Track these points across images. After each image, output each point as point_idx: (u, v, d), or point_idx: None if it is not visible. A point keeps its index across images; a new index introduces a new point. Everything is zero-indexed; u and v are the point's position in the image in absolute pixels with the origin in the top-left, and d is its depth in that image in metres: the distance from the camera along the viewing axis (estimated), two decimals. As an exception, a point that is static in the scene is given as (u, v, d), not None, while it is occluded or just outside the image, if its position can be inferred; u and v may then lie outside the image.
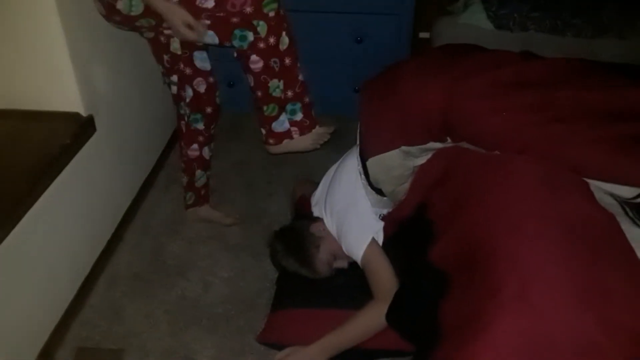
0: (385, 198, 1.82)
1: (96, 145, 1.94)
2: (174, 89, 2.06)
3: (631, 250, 1.28)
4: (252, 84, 1.82)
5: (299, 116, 1.87)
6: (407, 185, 1.76)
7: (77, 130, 1.83)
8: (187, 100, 2.03)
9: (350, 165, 1.89)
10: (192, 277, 2.07)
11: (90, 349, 1.80)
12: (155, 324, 1.88)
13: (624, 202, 1.42)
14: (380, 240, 1.78)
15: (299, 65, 1.82)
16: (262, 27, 1.67)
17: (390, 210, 1.86)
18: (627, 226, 1.34)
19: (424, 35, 3.05)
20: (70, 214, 1.87)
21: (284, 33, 1.73)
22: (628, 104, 1.47)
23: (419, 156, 1.72)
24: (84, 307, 1.94)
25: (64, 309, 1.86)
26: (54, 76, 1.80)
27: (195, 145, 2.14)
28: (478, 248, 1.34)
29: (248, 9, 1.63)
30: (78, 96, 1.84)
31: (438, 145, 1.68)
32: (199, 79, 2.01)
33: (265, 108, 1.84)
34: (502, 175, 1.47)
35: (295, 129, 1.90)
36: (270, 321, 1.82)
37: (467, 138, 1.61)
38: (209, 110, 2.08)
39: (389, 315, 1.62)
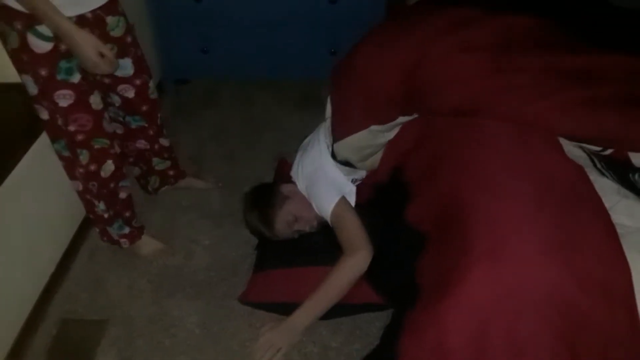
0: (354, 168, 1.86)
1: (69, 116, 1.90)
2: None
3: (599, 201, 1.30)
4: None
5: (125, 230, 1.96)
6: (379, 157, 1.80)
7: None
8: (117, 105, 1.87)
9: (322, 134, 1.92)
10: (173, 246, 2.07)
11: (74, 320, 1.80)
12: (139, 294, 1.89)
13: (592, 154, 1.44)
14: (352, 202, 1.80)
15: (121, 184, 1.87)
16: (84, 156, 1.68)
17: (365, 176, 1.90)
18: (595, 176, 1.37)
19: (399, -7, 3.01)
20: (46, 186, 1.85)
21: (109, 161, 1.75)
22: (593, 67, 1.47)
23: (389, 131, 1.74)
24: (65, 279, 1.94)
25: (45, 282, 1.85)
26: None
27: (142, 140, 2.03)
28: (452, 206, 1.36)
29: (79, 137, 1.63)
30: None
31: (407, 119, 1.70)
32: (125, 85, 1.81)
33: (92, 216, 1.91)
34: (474, 133, 1.48)
35: (125, 240, 1.98)
36: (252, 282, 1.84)
37: (433, 108, 1.61)
38: (144, 108, 1.91)
39: (369, 277, 1.64)
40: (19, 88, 1.59)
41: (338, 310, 1.68)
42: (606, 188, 1.35)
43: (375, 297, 1.68)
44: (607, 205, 1.29)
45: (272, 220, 1.82)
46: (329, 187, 1.78)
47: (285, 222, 1.82)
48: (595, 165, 1.42)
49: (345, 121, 1.75)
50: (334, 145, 1.79)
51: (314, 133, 2.02)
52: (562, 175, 1.35)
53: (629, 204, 1.33)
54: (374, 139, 1.74)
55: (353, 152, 1.79)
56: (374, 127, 1.69)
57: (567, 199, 1.29)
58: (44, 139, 1.75)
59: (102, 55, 1.48)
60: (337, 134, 1.77)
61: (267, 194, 1.88)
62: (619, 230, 1.24)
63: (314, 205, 1.81)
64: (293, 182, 1.94)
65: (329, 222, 1.75)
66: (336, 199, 1.73)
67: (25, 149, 1.72)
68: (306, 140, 2.05)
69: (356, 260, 1.63)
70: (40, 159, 1.78)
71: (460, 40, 1.55)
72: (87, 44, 1.43)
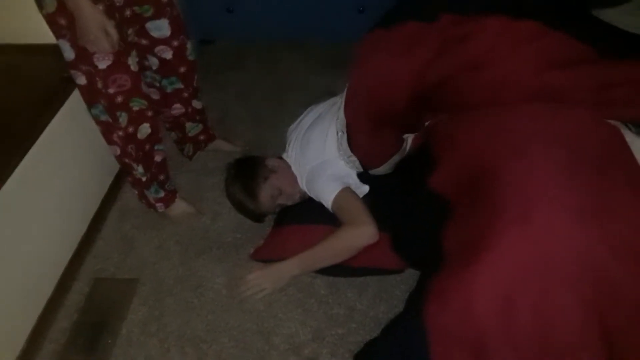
0: None
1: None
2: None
3: (635, 164, 1.26)
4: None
5: (161, 193, 1.98)
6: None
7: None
8: (154, 68, 1.89)
9: (329, 122, 1.86)
10: (200, 208, 2.09)
11: (105, 279, 1.85)
12: (167, 254, 1.92)
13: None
14: (361, 193, 1.79)
15: (156, 147, 1.86)
16: (123, 118, 1.66)
17: None
18: (632, 138, 1.32)
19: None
20: (75, 147, 1.88)
21: (146, 124, 1.73)
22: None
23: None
24: (96, 240, 1.98)
25: (77, 242, 1.90)
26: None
27: (177, 105, 2.05)
28: (481, 171, 1.33)
29: (119, 99, 1.61)
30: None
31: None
32: (162, 46, 1.82)
33: (130, 179, 1.94)
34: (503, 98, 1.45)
35: (161, 204, 2.00)
36: (266, 239, 1.89)
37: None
38: (182, 69, 1.93)
39: (393, 244, 1.64)
40: (52, 49, 1.59)
41: (338, 270, 1.73)
42: (643, 150, 1.29)
43: (379, 263, 1.72)
44: (645, 168, 1.25)
45: (256, 193, 1.83)
46: (330, 180, 1.75)
47: (269, 195, 1.83)
48: (630, 129, 1.37)
49: (378, 158, 1.78)
50: (371, 171, 1.81)
51: (310, 116, 1.97)
52: (596, 137, 1.31)
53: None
54: (403, 152, 1.78)
55: (389, 169, 1.82)
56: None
57: (600, 162, 1.25)
58: (74, 100, 1.77)
59: (106, 33, 1.45)
60: (371, 167, 1.80)
61: (251, 167, 1.88)
62: (655, 197, 1.20)
63: (313, 196, 1.80)
64: (280, 158, 1.94)
65: (330, 210, 1.73)
66: (337, 190, 1.70)
67: (55, 111, 1.73)
68: (304, 123, 1.97)
69: (358, 231, 1.64)
70: (71, 120, 1.80)
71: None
72: (93, 17, 1.41)
